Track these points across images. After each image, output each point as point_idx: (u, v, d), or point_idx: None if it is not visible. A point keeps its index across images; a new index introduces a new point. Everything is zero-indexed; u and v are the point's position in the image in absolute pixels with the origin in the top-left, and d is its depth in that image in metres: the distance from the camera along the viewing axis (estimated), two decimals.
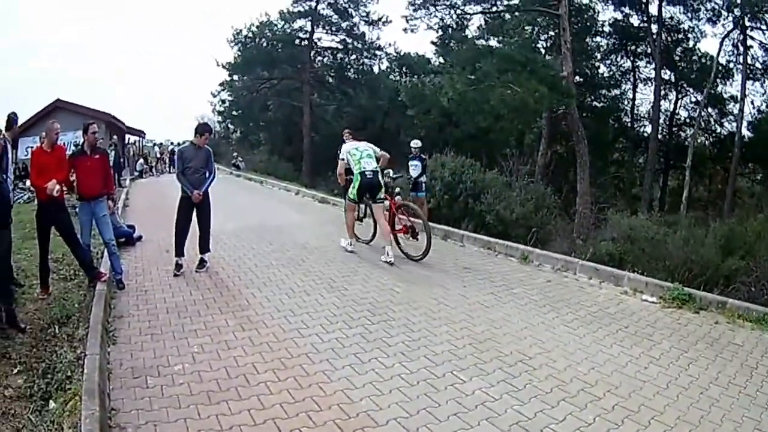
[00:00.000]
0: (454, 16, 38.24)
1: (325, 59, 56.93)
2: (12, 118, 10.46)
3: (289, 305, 9.63)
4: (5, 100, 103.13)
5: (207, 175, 12.03)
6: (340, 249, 14.24)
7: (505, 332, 8.75)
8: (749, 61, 38.08)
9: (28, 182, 21.31)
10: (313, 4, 51.79)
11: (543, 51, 39.99)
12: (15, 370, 7.22)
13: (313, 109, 54.00)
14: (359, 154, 13.63)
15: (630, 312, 10.22)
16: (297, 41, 53.29)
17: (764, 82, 38.74)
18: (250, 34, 52.27)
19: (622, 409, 6.55)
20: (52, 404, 6.31)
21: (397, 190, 15.43)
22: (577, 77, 38.77)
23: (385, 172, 14.42)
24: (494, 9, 36.60)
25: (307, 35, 52.98)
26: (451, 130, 36.40)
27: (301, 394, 6.45)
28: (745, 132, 39.52)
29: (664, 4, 38.93)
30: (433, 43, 47.87)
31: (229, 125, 69.02)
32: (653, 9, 39.62)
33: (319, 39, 53.92)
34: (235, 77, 56.31)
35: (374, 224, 14.82)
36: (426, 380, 6.91)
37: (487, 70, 28.91)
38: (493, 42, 37.73)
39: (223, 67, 53.80)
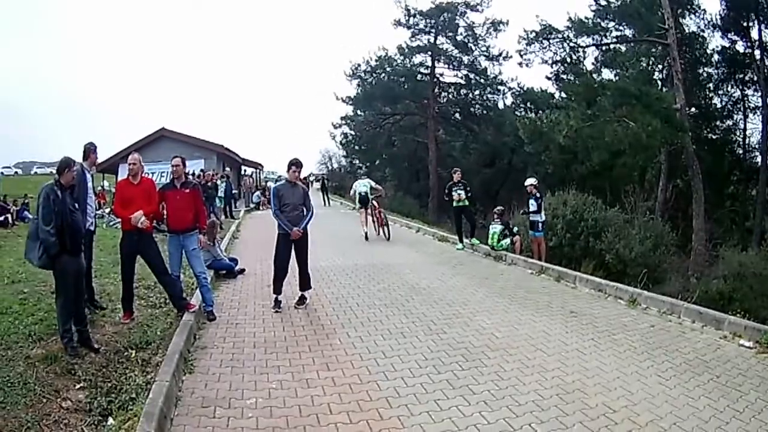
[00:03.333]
0: (567, 49, 38.08)
1: (450, 95, 56.62)
2: (88, 148, 10.74)
3: (382, 347, 9.62)
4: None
5: (305, 212, 12.24)
6: (449, 290, 14.22)
7: (596, 382, 8.47)
8: None
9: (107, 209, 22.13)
10: (432, 38, 51.95)
11: (659, 83, 39.22)
12: (78, 386, 7.57)
13: (438, 145, 54.10)
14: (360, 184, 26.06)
15: (725, 359, 9.68)
16: (419, 76, 53.32)
17: None
18: (369, 68, 52.63)
19: None
20: (110, 421, 6.69)
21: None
22: (692, 109, 38.21)
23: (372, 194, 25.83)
24: (605, 41, 36.35)
25: (429, 70, 52.94)
26: (576, 167, 36.13)
27: None
28: None
29: (763, 27, 38.00)
30: (547, 77, 47.22)
31: (354, 160, 69.34)
32: (755, 33, 38.78)
33: (441, 74, 53.85)
34: (358, 111, 56.75)
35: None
36: (502, 431, 6.75)
37: (602, 104, 28.78)
38: (608, 74, 37.50)
39: (343, 101, 54.64)
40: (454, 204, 20.99)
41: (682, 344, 10.43)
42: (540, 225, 19.64)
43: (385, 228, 24.89)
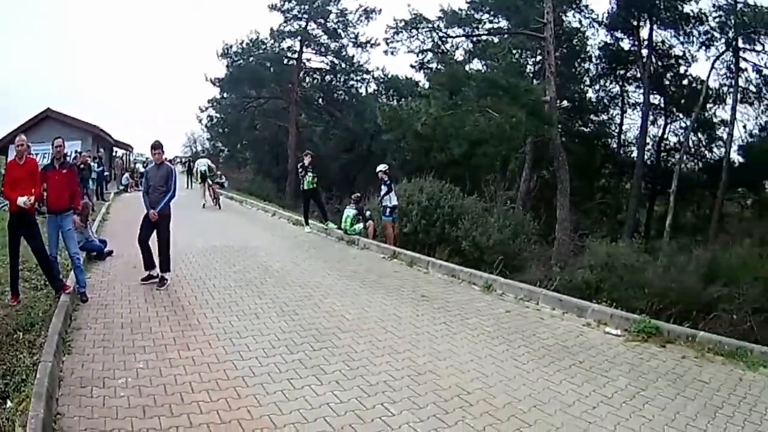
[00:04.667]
0: (436, 39, 38.58)
1: (314, 80, 56.86)
2: None
3: (237, 327, 9.70)
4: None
5: (166, 194, 12.22)
6: (302, 273, 14.43)
7: (448, 365, 8.52)
8: (742, 84, 38.31)
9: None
10: (303, 23, 51.87)
11: (531, 76, 40.01)
12: None
13: (299, 129, 54.13)
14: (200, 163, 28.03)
15: (589, 346, 9.83)
16: (285, 61, 53.25)
17: (757, 105, 38.79)
18: (240, 50, 52.17)
19: None
20: (8, 403, 6.76)
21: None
22: (565, 102, 39.15)
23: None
24: (477, 32, 36.94)
25: (296, 55, 52.95)
26: (435, 155, 36.47)
27: (229, 416, 6.47)
28: (735, 157, 39.77)
29: (655, 27, 39.30)
30: (412, 66, 47.42)
31: (217, 143, 68.96)
32: (644, 33, 39.97)
33: (308, 59, 53.92)
34: (224, 94, 56.33)
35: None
36: (354, 411, 6.79)
37: (467, 94, 28.98)
38: (478, 66, 37.93)
39: (212, 82, 53.78)
40: (304, 187, 21.13)
41: (540, 330, 10.61)
42: (389, 210, 19.87)
43: (217, 200, 31.42)
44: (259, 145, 60.20)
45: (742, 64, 37.96)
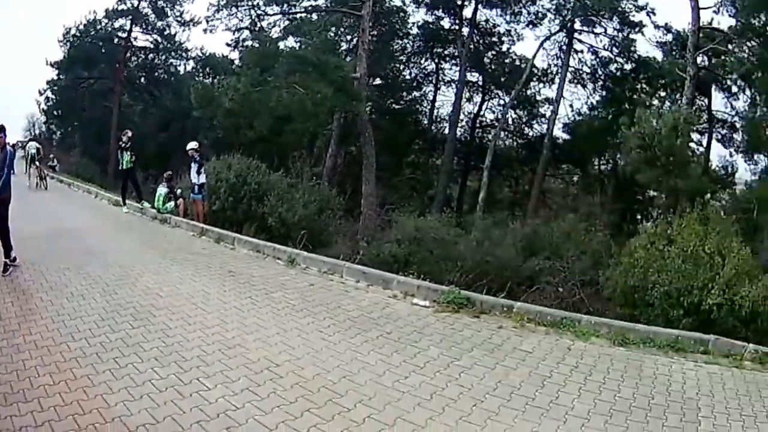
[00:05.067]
0: (254, 17, 38.74)
1: (139, 59, 56.34)
2: None
3: (67, 309, 9.81)
4: None
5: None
6: (121, 253, 14.84)
7: (256, 338, 8.83)
8: (575, 65, 40.29)
9: None
10: (135, 2, 51.10)
11: (345, 54, 40.14)
12: None
13: (121, 109, 53.47)
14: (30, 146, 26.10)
15: (396, 317, 10.19)
16: (116, 40, 52.49)
17: (590, 86, 40.69)
18: (78, 33, 51.18)
19: (374, 422, 6.46)
20: None
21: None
22: (378, 80, 40.67)
23: None
24: (295, 10, 37.43)
25: (126, 34, 52.33)
26: (245, 132, 36.62)
27: (70, 397, 6.58)
28: (561, 134, 41.42)
29: (480, 6, 40.20)
30: (228, 45, 47.63)
31: (51, 126, 66.89)
32: (468, 12, 40.72)
33: (135, 38, 53.37)
34: (60, 76, 54.92)
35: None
36: (174, 386, 6.97)
37: (277, 71, 29.59)
38: (293, 43, 38.21)
39: (51, 65, 52.65)
40: (123, 167, 21.65)
41: (345, 302, 11.01)
42: (197, 188, 20.40)
43: (44, 181, 33.42)
44: (86, 126, 58.57)
45: (578, 46, 39.76)
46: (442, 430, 6.34)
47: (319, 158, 38.41)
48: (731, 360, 9.77)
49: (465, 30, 41.67)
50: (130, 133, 21.90)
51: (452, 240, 21.32)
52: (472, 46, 41.53)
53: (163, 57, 55.42)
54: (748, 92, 34.45)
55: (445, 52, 44.61)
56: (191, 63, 55.66)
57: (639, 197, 37.44)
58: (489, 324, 9.98)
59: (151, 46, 54.39)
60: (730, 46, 31.73)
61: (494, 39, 42.96)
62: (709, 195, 31.31)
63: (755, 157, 35.46)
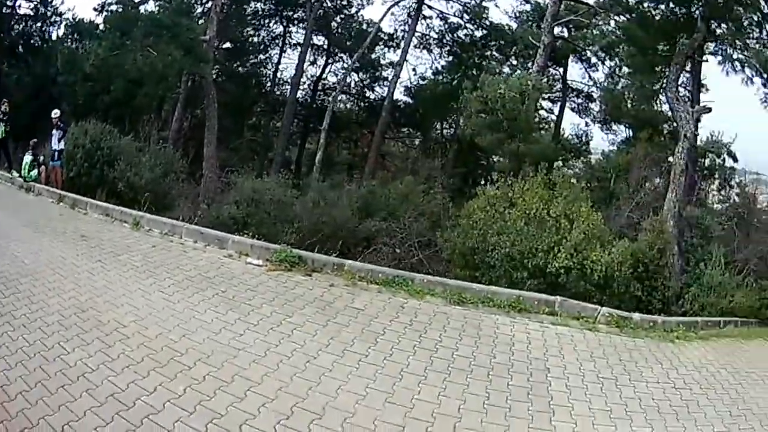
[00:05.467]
0: None
1: (20, 27, 54.28)
2: None
3: None
4: None
5: None
6: None
7: (105, 300, 8.92)
8: (423, 30, 40.01)
9: None
10: None
11: (199, 17, 38.53)
12: None
13: (2, 78, 51.79)
14: None
15: (231, 276, 10.58)
16: (4, 9, 50.31)
17: (437, 51, 40.61)
18: None
19: (214, 380, 6.62)
20: None
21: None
22: (228, 43, 40.16)
23: None
24: None
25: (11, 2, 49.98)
26: (103, 97, 36.10)
27: None
28: (403, 98, 41.24)
29: None
30: (95, 9, 46.59)
31: None
32: None
33: (19, 5, 51.18)
34: None
35: None
36: (40, 352, 6.97)
37: (135, 34, 29.26)
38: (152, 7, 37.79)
39: None
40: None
41: (183, 262, 11.45)
42: (57, 154, 20.23)
43: None
44: None
45: (428, 12, 39.42)
46: (276, 386, 6.59)
47: (167, 122, 37.90)
48: (583, 322, 10.42)
49: None
50: (7, 103, 21.34)
51: (289, 201, 21.50)
52: (321, 11, 41.24)
53: (39, 23, 53.38)
54: (609, 64, 35.06)
55: (295, 16, 43.77)
56: (62, 29, 53.74)
57: (483, 162, 37.68)
58: (321, 282, 10.37)
59: (31, 13, 52.17)
60: (595, 20, 32.35)
61: (343, 2, 42.58)
62: (560, 162, 32.48)
63: (614, 127, 36.53)
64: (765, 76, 28.15)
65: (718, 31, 21.20)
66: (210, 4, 36.28)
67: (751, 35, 22.55)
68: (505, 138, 24.44)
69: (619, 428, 6.98)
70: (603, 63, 35.53)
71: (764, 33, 24.96)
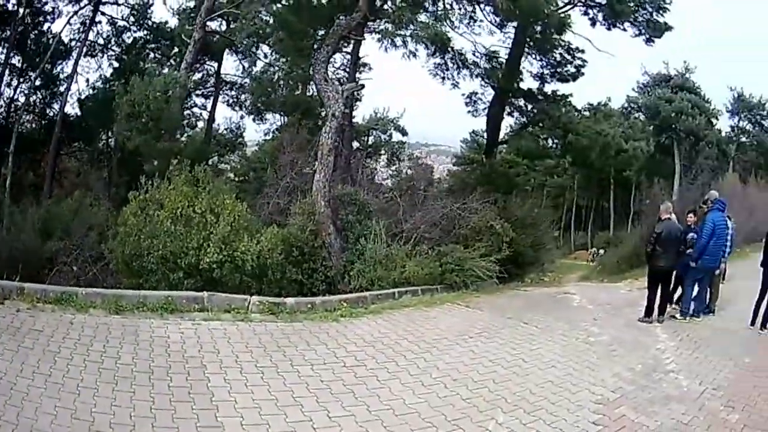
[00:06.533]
0: None
1: None
2: None
3: None
4: None
5: None
6: None
7: None
8: (92, 38, 39.22)
9: None
10: None
11: None
12: None
13: None
14: None
15: None
16: None
17: (102, 57, 39.88)
18: None
19: None
20: None
21: None
22: None
23: None
24: None
25: None
26: None
27: None
28: (75, 111, 40.23)
29: None
30: None
31: None
32: None
33: None
34: None
35: None
36: None
37: None
38: None
39: None
40: None
41: None
42: None
43: None
44: None
45: (99, 18, 38.61)
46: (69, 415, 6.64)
47: None
48: (235, 314, 10.91)
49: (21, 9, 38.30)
50: None
51: None
52: (21, 27, 38.52)
53: None
54: (263, 53, 36.20)
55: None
56: None
57: (144, 167, 37.16)
58: (10, 309, 9.97)
59: None
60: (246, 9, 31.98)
61: (40, 18, 39.87)
62: (216, 158, 33.64)
63: (267, 116, 37.80)
64: (433, 48, 30.14)
65: (386, 7, 21.94)
66: None
67: (419, 11, 23.97)
68: (152, 139, 24.95)
69: (290, 415, 7.37)
70: (251, 53, 36.62)
71: (438, 7, 26.67)
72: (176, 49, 38.17)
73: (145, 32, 39.19)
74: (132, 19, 38.89)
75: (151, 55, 40.24)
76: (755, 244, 24.51)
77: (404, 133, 56.71)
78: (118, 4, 38.28)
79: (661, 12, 31.84)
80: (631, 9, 31.71)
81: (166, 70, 35.13)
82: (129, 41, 39.71)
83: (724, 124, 68.60)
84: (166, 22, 38.48)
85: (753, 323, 14.60)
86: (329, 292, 15.44)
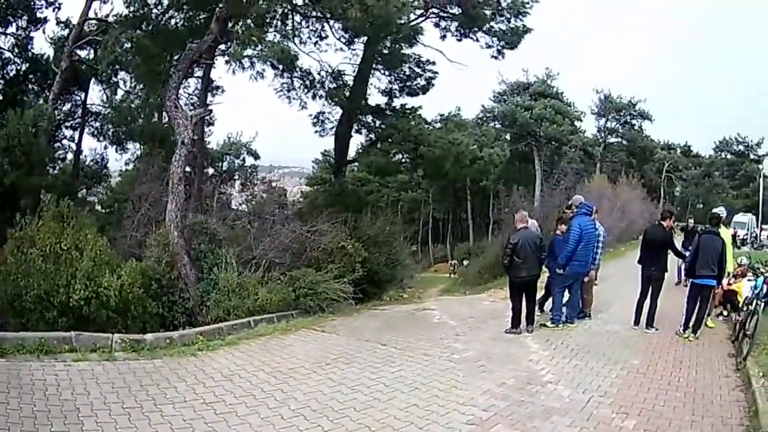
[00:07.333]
0: None
1: None
2: None
3: None
4: None
5: None
6: None
7: None
8: None
9: None
10: None
11: None
12: None
13: None
14: None
15: None
16: None
17: None
18: None
19: None
20: None
21: None
22: None
23: None
24: None
25: None
26: None
27: None
28: None
29: None
30: None
31: None
32: None
33: None
34: None
35: None
36: None
37: None
38: None
39: None
40: None
41: None
42: None
43: None
44: None
45: None
46: None
47: None
48: (101, 353, 10.98)
49: None
50: None
51: None
52: None
53: None
54: (123, 80, 35.05)
55: None
56: None
57: (20, 202, 36.16)
58: None
59: None
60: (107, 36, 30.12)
61: None
62: (85, 190, 33.20)
63: (128, 145, 36.84)
64: (280, 67, 30.51)
65: (236, 29, 21.23)
66: None
67: (269, 30, 24.17)
68: (25, 174, 24.20)
69: None
70: (112, 81, 35.10)
71: (288, 25, 27.01)
72: (50, 81, 36.18)
73: (26, 64, 37.33)
74: (16, 50, 37.27)
75: (31, 87, 38.63)
76: (631, 242, 25.40)
77: (257, 156, 58.27)
78: (6, 35, 37.35)
79: (520, 17, 33.55)
80: (488, 17, 33.23)
81: (41, 102, 34.12)
82: (12, 74, 37.67)
83: (590, 125, 71.09)
84: (44, 54, 36.66)
85: (637, 323, 15.28)
86: (190, 323, 15.52)
